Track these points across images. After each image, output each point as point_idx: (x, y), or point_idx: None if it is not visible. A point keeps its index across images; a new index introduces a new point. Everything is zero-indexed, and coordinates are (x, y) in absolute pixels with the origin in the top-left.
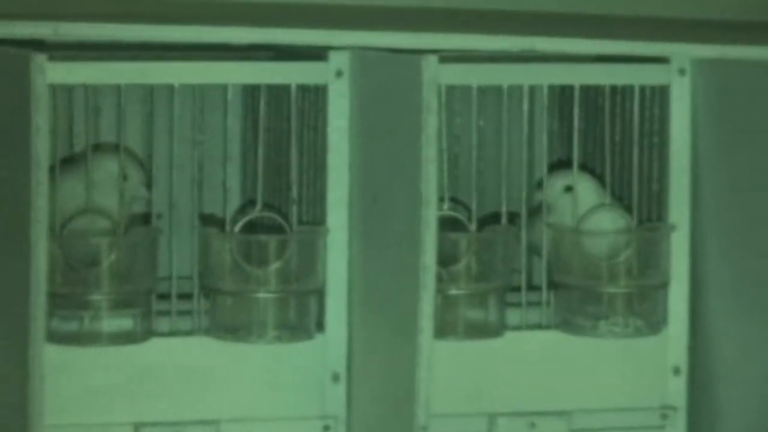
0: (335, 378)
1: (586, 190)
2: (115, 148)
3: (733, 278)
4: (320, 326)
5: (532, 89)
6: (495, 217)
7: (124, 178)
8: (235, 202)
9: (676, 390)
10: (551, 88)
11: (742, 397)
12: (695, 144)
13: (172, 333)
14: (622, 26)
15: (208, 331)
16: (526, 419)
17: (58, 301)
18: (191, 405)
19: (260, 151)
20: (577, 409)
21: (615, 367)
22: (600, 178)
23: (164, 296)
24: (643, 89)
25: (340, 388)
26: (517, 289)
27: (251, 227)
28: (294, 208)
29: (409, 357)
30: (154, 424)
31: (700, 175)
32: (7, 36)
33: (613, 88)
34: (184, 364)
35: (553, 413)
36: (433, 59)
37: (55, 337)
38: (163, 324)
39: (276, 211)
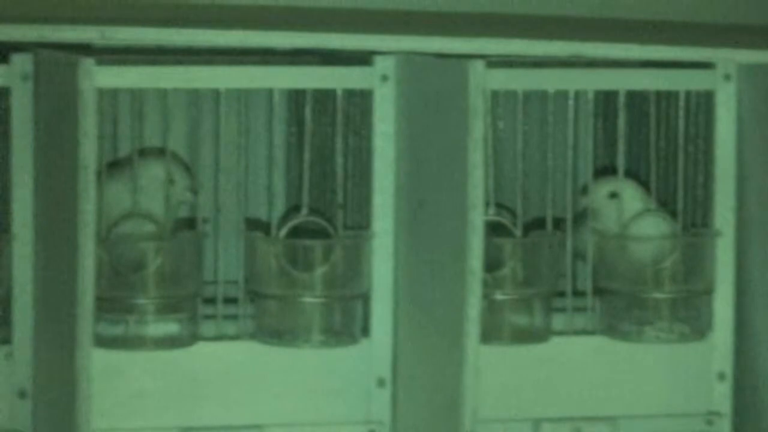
0: (380, 383)
1: (631, 196)
2: (161, 152)
3: None
4: (365, 331)
5: (577, 94)
6: (539, 223)
7: (171, 182)
8: (279, 206)
9: (721, 396)
10: (596, 93)
11: None
12: (740, 149)
13: (218, 337)
14: (668, 31)
15: (253, 336)
16: (572, 424)
17: (104, 305)
18: (236, 409)
19: (306, 156)
20: (622, 414)
21: (660, 372)
22: (645, 184)
23: (210, 300)
24: (688, 94)
25: (385, 393)
26: (563, 294)
27: (297, 232)
28: (340, 213)
29: (455, 362)
30: (199, 429)
31: (745, 181)
32: (54, 40)
33: (658, 94)
34: (230, 368)
35: (598, 418)
36: (480, 64)
37: (101, 341)
38: (208, 328)
39: (321, 215)
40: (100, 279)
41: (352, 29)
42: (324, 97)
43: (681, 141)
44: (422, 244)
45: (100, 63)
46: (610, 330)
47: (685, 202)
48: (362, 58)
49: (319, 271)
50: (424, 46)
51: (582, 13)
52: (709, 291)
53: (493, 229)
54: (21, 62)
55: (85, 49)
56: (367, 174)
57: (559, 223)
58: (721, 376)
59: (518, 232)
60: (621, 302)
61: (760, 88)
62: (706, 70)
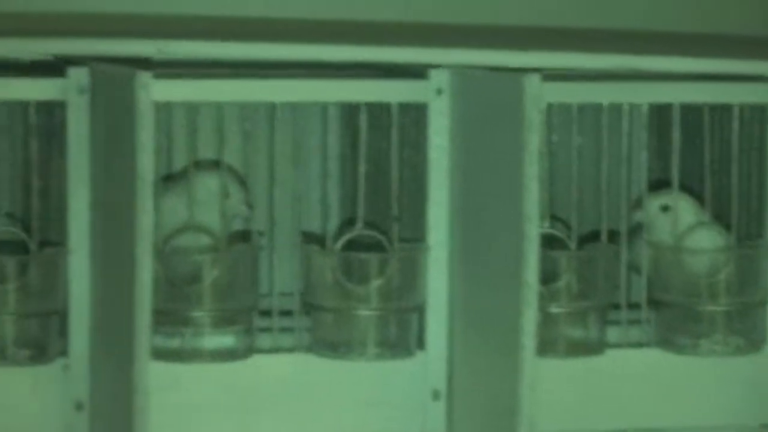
0: (436, 395)
1: (684, 208)
2: (216, 165)
3: None
4: (421, 344)
5: (630, 107)
6: (594, 235)
7: (226, 195)
8: (333, 219)
9: None
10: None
11: None
12: None
13: (274, 350)
14: (722, 44)
15: (309, 348)
16: None
17: (160, 318)
18: (292, 422)
19: (361, 169)
20: (677, 426)
21: (714, 385)
22: (698, 196)
23: (266, 313)
24: (742, 107)
25: (441, 406)
26: (617, 306)
27: (352, 245)
28: (395, 226)
29: (511, 374)
30: None
31: None
32: (112, 54)
33: (712, 107)
34: (285, 381)
35: (652, 431)
36: (536, 78)
37: (157, 354)
38: (264, 341)
39: (376, 228)
40: (156, 292)
41: (407, 43)
42: (378, 110)
43: (735, 153)
44: (477, 257)
45: (157, 77)
46: (665, 343)
47: (739, 214)
48: (417, 72)
49: (375, 283)
50: (479, 60)
51: (636, 26)
52: (763, 303)
53: (548, 242)
54: (77, 76)
55: (135, 62)
56: (422, 187)
57: (613, 235)
58: None
59: (573, 244)
60: (676, 315)
61: None
62: (760, 83)
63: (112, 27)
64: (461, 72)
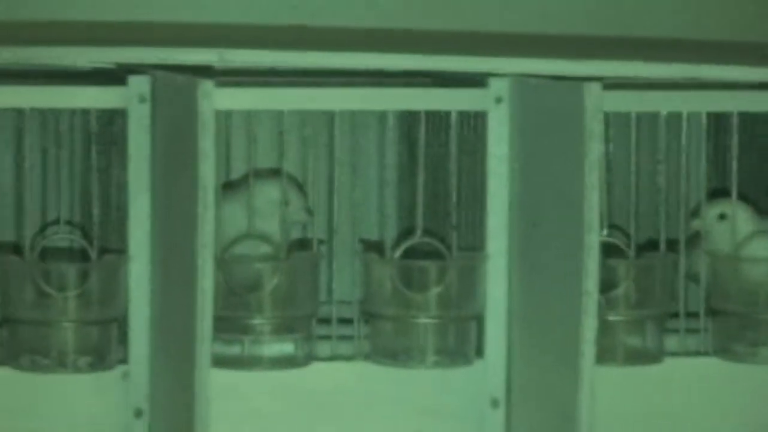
0: (494, 404)
1: (741, 217)
2: (275, 173)
3: None
4: (479, 352)
5: (689, 116)
6: (652, 244)
7: (285, 203)
8: (392, 227)
9: None
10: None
11: None
12: None
13: (333, 357)
14: None
15: (368, 356)
16: None
17: (220, 325)
18: (350, 429)
19: (420, 178)
20: None
21: None
22: (756, 205)
23: (324, 321)
24: None
25: (499, 414)
26: (676, 315)
27: (410, 253)
28: (454, 234)
29: (570, 383)
30: None
31: None
32: (173, 62)
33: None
34: (344, 388)
35: None
36: (596, 86)
37: (217, 361)
38: (323, 349)
39: (435, 236)
40: (216, 299)
41: (467, 51)
42: (435, 118)
43: None
44: (536, 265)
45: (218, 85)
46: (723, 351)
47: None
48: (475, 80)
49: (434, 292)
50: (539, 68)
51: (694, 35)
52: None
53: (606, 251)
54: (138, 84)
55: (193, 70)
56: (481, 195)
57: (671, 244)
58: None
59: (632, 253)
60: (733, 323)
61: None
62: None
63: (170, 35)
64: (521, 80)
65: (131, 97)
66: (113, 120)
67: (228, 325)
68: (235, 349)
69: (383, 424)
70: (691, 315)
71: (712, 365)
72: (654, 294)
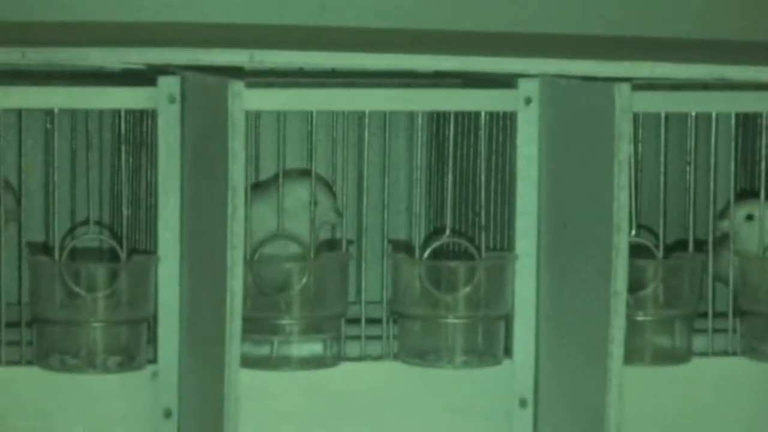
0: (523, 404)
1: None
2: (304, 173)
3: None
4: (508, 352)
5: (717, 116)
6: (681, 244)
7: (315, 203)
8: (421, 227)
9: None
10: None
11: None
12: None
13: (362, 358)
14: None
15: (396, 356)
16: None
17: (249, 326)
18: (380, 429)
19: (449, 178)
20: None
21: None
22: None
23: (353, 321)
24: None
25: (528, 414)
26: (704, 315)
27: (439, 253)
28: (483, 234)
29: (599, 383)
30: None
31: None
32: (204, 63)
33: None
34: (373, 388)
35: None
36: (626, 87)
37: (246, 361)
38: (352, 349)
39: (464, 236)
40: (246, 299)
41: (495, 52)
42: (465, 118)
43: None
44: (565, 266)
45: (248, 86)
46: (751, 351)
47: None
48: (506, 81)
49: (463, 292)
50: (568, 69)
51: (722, 36)
52: None
53: (635, 251)
54: (168, 85)
55: (223, 70)
56: (510, 195)
57: (699, 244)
58: None
59: (660, 253)
60: (762, 324)
61: None
62: None
63: (199, 36)
64: (550, 81)
65: (161, 98)
66: (142, 120)
67: (257, 325)
68: (264, 350)
69: (412, 424)
70: (719, 315)
71: (740, 365)
72: (682, 294)
